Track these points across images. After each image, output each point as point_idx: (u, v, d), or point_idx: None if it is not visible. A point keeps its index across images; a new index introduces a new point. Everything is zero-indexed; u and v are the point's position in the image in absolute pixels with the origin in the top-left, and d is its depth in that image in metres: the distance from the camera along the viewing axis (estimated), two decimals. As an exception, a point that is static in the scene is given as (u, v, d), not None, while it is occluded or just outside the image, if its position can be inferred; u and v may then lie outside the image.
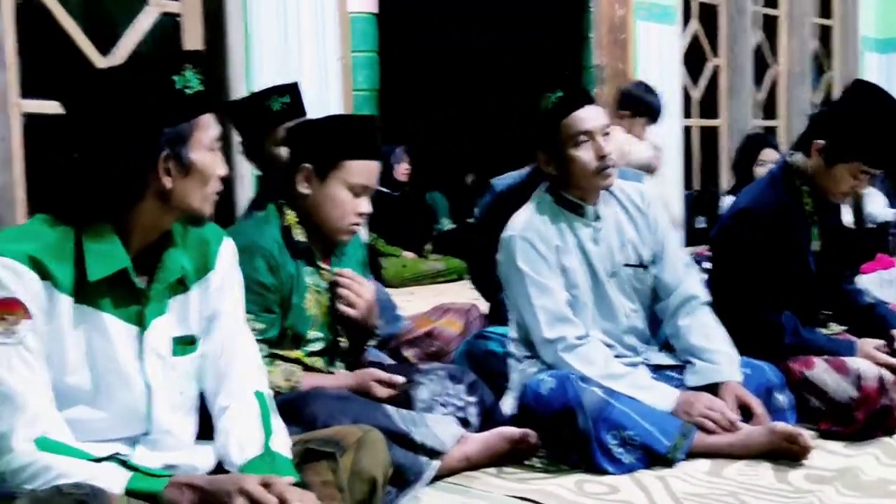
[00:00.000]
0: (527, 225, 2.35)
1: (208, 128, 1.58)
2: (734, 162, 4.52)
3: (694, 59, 5.92)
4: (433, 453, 2.05)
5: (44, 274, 1.48)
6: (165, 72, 1.53)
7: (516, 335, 2.42)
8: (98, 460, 1.48)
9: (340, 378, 2.17)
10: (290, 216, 2.12)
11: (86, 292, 1.53)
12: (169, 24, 3.05)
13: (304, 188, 2.11)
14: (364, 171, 2.12)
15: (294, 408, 1.91)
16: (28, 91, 2.69)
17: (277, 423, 1.68)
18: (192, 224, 1.64)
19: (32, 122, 2.70)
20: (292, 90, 2.60)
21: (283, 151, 2.44)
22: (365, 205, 2.14)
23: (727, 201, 4.15)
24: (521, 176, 2.99)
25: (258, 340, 1.89)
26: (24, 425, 1.45)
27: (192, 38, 3.03)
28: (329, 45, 3.44)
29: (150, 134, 1.51)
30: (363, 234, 2.44)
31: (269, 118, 2.54)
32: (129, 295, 1.57)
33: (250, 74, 3.14)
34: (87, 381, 1.55)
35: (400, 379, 2.17)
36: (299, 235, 2.12)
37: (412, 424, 2.04)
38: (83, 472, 1.44)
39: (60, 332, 1.52)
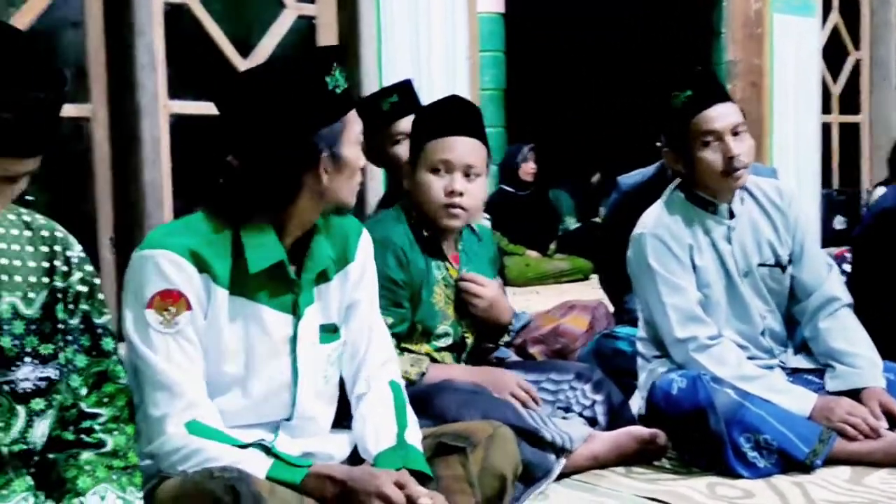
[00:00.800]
0: (658, 222, 2.32)
1: (355, 123, 1.65)
2: (889, 157, 4.31)
3: (834, 53, 5.69)
4: (561, 451, 2.05)
5: (202, 267, 1.56)
6: (318, 73, 1.59)
7: (645, 334, 2.39)
8: (244, 446, 1.55)
9: (469, 372, 2.19)
10: (412, 212, 2.17)
11: (241, 285, 1.60)
12: (305, 27, 3.15)
13: (406, 185, 2.16)
14: (439, 147, 2.11)
15: (423, 401, 1.95)
16: (174, 93, 2.82)
17: (411, 414, 1.72)
18: (337, 214, 1.71)
19: (178, 123, 2.84)
20: (401, 90, 2.63)
21: (400, 150, 2.49)
22: (455, 181, 2.10)
23: (878, 193, 3.97)
24: (648, 174, 2.95)
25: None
26: (178, 411, 1.53)
27: (327, 39, 3.12)
28: (458, 45, 3.48)
29: (308, 134, 1.58)
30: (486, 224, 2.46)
31: (380, 118, 2.57)
32: (283, 285, 1.64)
33: (382, 75, 3.21)
34: (240, 370, 1.63)
35: (536, 402, 2.16)
36: (426, 231, 2.16)
37: (540, 422, 2.05)
38: (230, 457, 1.51)
39: (217, 323, 1.59)
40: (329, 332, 1.72)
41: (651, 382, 2.29)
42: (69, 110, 2.84)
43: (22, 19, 2.56)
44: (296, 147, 1.58)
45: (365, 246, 1.78)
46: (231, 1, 3.18)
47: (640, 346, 2.41)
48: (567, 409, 2.21)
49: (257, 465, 1.51)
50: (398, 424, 1.68)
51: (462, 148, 2.13)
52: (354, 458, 1.71)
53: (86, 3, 2.65)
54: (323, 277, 1.71)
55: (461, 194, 2.10)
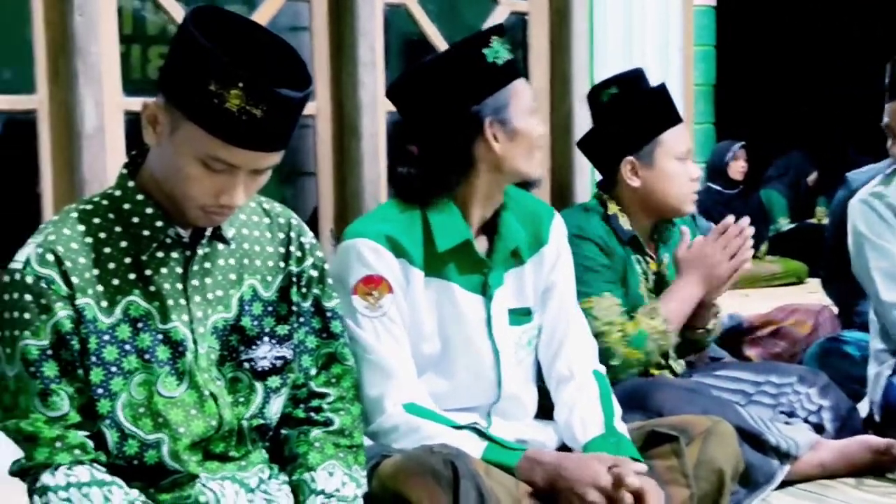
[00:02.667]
0: (870, 189, 2.23)
1: (524, 92, 1.66)
2: None
3: None
4: (785, 456, 1.95)
5: (399, 251, 1.61)
6: (475, 47, 1.62)
7: (876, 330, 2.24)
8: (459, 427, 1.58)
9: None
10: (613, 206, 2.13)
11: (434, 265, 1.64)
12: (517, 23, 3.17)
13: (633, 181, 2.10)
14: (680, 136, 2.13)
15: (639, 396, 1.91)
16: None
17: (616, 403, 1.70)
18: (526, 188, 1.72)
19: (392, 120, 2.93)
20: (621, 82, 2.56)
21: None
22: (694, 168, 2.14)
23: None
24: (880, 169, 2.74)
25: (623, 314, 1.97)
26: (394, 390, 1.58)
27: (539, 34, 3.12)
28: (672, 39, 3.39)
29: (473, 106, 1.61)
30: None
31: (600, 110, 2.52)
32: (472, 266, 1.67)
33: (594, 69, 3.18)
34: (438, 350, 1.67)
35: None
36: (625, 224, 2.12)
37: (763, 425, 1.95)
38: (446, 437, 1.54)
39: (416, 304, 1.64)
40: (520, 314, 1.73)
41: (886, 382, 2.14)
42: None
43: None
44: (460, 120, 1.62)
45: (558, 228, 1.78)
46: (446, 0, 3.25)
47: (871, 342, 2.27)
48: (790, 414, 2.09)
49: (472, 447, 1.53)
50: (605, 413, 1.66)
51: (686, 133, 2.17)
52: (564, 447, 1.70)
53: (313, 8, 2.79)
54: (516, 260, 1.72)
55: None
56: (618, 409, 1.69)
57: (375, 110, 2.80)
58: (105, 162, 2.37)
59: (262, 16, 2.70)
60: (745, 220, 2.09)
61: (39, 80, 2.37)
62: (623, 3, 3.25)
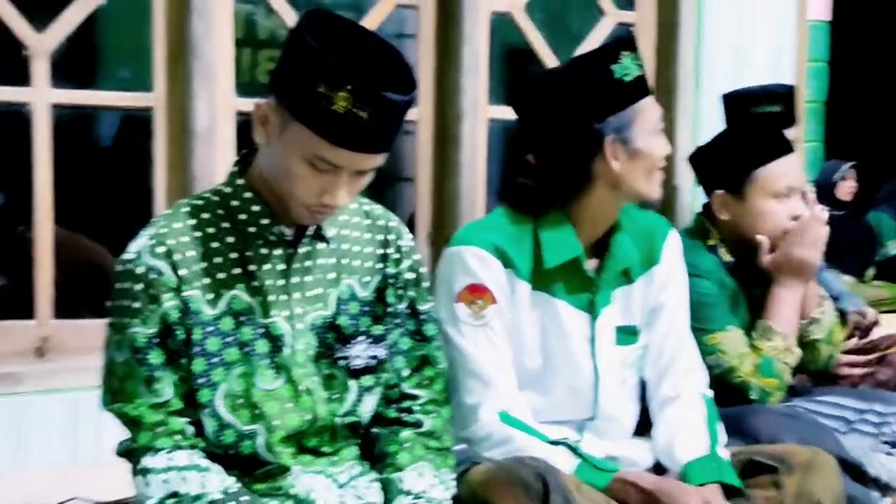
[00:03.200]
0: None
1: (650, 111, 1.63)
2: None
3: None
4: (885, 488, 1.88)
5: (506, 262, 1.61)
6: (604, 62, 1.59)
7: None
8: (552, 443, 1.57)
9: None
10: (714, 235, 2.07)
11: (541, 279, 1.63)
12: (624, 34, 3.14)
13: (724, 215, 2.04)
14: (781, 171, 2.00)
15: (735, 420, 1.86)
16: (492, 98, 2.92)
17: (722, 430, 1.66)
18: (643, 207, 1.69)
19: (494, 127, 2.94)
20: (785, 97, 2.43)
21: None
22: (797, 206, 2.00)
23: None
24: None
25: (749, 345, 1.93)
26: (491, 400, 1.58)
27: (645, 46, 3.09)
28: (784, 54, 3.31)
29: (595, 122, 1.59)
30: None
31: (754, 126, 2.26)
32: (580, 283, 1.65)
33: (699, 83, 3.12)
34: (539, 364, 1.66)
35: None
36: (724, 256, 2.06)
37: (863, 456, 1.88)
38: (538, 450, 1.53)
39: (519, 317, 1.63)
40: (628, 334, 1.71)
41: None
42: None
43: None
44: (581, 135, 1.59)
45: (672, 247, 1.74)
46: (552, 9, 3.25)
47: None
48: (893, 445, 2.01)
49: (564, 463, 1.52)
50: (710, 436, 1.63)
51: (794, 166, 2.04)
52: (658, 467, 1.67)
53: (420, 15, 2.82)
54: (625, 279, 1.69)
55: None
56: (723, 436, 1.65)
57: (476, 118, 2.81)
58: (215, 160, 2.45)
59: (370, 21, 2.75)
60: (813, 200, 2.01)
61: (157, 79, 2.47)
62: (733, 16, 3.18)
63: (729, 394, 1.88)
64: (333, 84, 1.23)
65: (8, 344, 2.36)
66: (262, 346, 1.37)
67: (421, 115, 2.83)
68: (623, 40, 1.66)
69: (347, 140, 1.26)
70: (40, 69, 2.35)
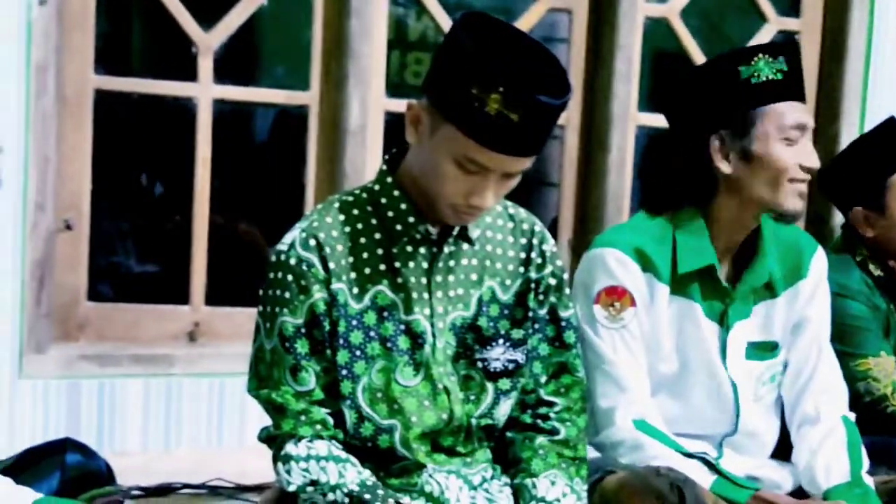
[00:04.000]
0: None
1: (781, 117, 1.55)
2: None
3: None
4: None
5: (647, 265, 1.58)
6: (733, 63, 1.55)
7: None
8: (688, 455, 1.53)
9: None
10: (861, 252, 1.97)
11: (681, 283, 1.60)
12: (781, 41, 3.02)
13: (868, 232, 1.94)
14: None
15: (884, 449, 1.76)
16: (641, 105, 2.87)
17: (865, 455, 1.57)
18: (781, 221, 1.62)
19: (642, 134, 2.89)
20: None
21: None
22: None
23: None
24: None
25: None
26: (626, 404, 1.56)
27: (809, 54, 2.95)
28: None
29: (714, 122, 1.55)
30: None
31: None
32: (714, 292, 1.62)
33: (867, 94, 2.96)
34: (675, 370, 1.62)
35: None
36: (875, 270, 1.96)
37: None
38: (673, 461, 1.49)
39: (658, 321, 1.60)
40: (764, 349, 1.66)
41: None
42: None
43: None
44: (699, 134, 1.56)
45: (819, 264, 1.69)
46: (709, 15, 3.16)
47: None
48: None
49: (699, 477, 1.47)
50: (852, 461, 1.55)
51: None
52: (800, 492, 1.60)
53: (574, 19, 2.80)
54: (769, 293, 1.64)
55: None
56: (866, 461, 1.58)
57: (626, 123, 2.76)
58: (365, 158, 2.50)
59: (521, 25, 2.75)
60: None
61: (313, 78, 2.54)
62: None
63: (879, 422, 1.78)
64: (486, 86, 1.23)
65: (163, 327, 2.48)
66: (403, 343, 1.39)
67: (569, 119, 2.81)
68: (767, 44, 1.61)
69: (497, 142, 1.26)
70: (206, 66, 2.46)
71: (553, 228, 2.83)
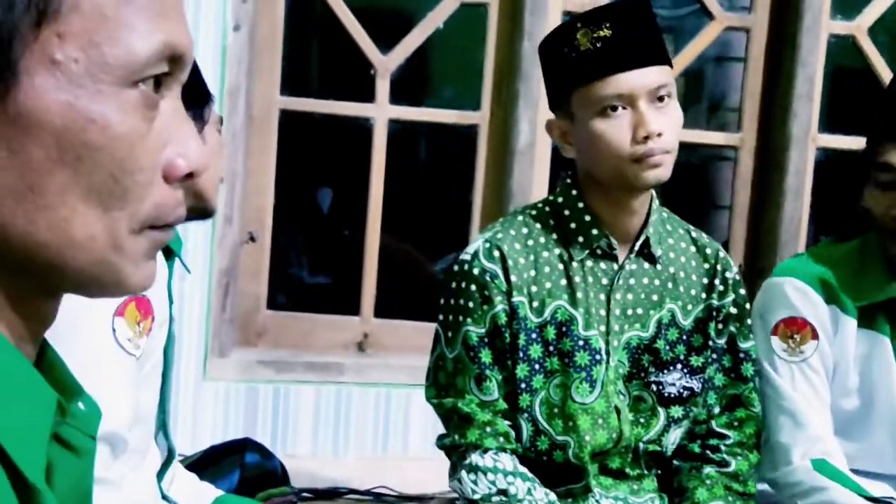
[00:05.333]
0: None
1: None
2: None
3: None
4: None
5: (831, 297, 1.51)
6: None
7: None
8: (872, 499, 1.45)
9: None
10: None
11: (868, 315, 1.52)
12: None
13: None
14: None
15: None
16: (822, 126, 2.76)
17: None
18: None
19: (822, 156, 2.77)
20: None
21: None
22: None
23: None
24: None
25: None
26: (804, 442, 1.49)
27: None
28: None
29: (875, 146, 1.47)
30: None
31: None
32: None
33: None
34: (856, 406, 1.54)
35: None
36: None
37: None
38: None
39: (843, 356, 1.52)
40: None
41: None
42: (717, 138, 2.97)
43: (686, 57, 2.73)
44: (867, 159, 1.48)
45: None
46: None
47: None
48: None
49: None
50: None
51: None
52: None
53: (752, 38, 2.73)
54: None
55: None
56: None
57: (805, 145, 2.66)
58: (532, 177, 2.52)
59: (697, 45, 2.70)
60: None
61: (484, 98, 2.59)
62: None
63: None
64: (568, 36, 1.31)
65: (334, 337, 2.58)
66: (581, 359, 1.39)
67: (743, 140, 2.73)
68: None
69: (609, 64, 1.29)
70: (383, 87, 2.55)
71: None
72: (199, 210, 1.35)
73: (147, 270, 0.56)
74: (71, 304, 1.07)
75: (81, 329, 1.06)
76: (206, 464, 1.79)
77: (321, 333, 2.57)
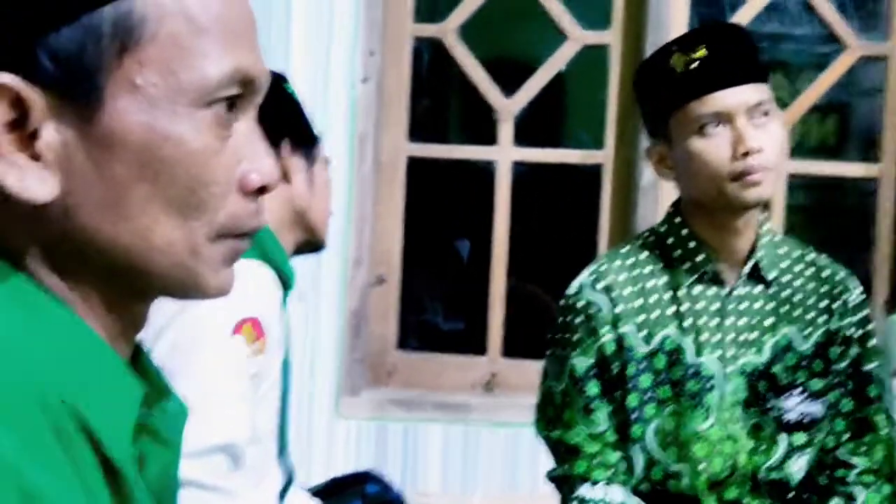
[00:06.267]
0: None
1: None
2: None
3: None
4: None
5: None
6: None
7: None
8: None
9: None
10: None
11: None
12: None
13: None
14: None
15: None
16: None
17: None
18: None
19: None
20: None
21: None
22: None
23: None
24: None
25: None
26: None
27: None
28: None
29: None
30: None
31: None
32: None
33: None
34: None
35: None
36: None
37: None
38: None
39: None
40: None
41: None
42: (856, 170, 2.86)
43: (809, 97, 2.66)
44: None
45: None
46: None
47: None
48: None
49: None
50: None
51: None
52: None
53: (889, 69, 2.63)
54: None
55: None
56: None
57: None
58: (657, 215, 2.50)
59: (828, 77, 2.63)
60: None
61: (608, 137, 2.60)
62: None
63: None
64: (666, 61, 1.32)
65: (462, 377, 2.62)
66: (692, 386, 1.37)
67: (883, 171, 2.62)
68: None
69: (705, 83, 1.29)
70: (506, 130, 2.61)
71: (866, 288, 2.63)
72: (311, 243, 1.43)
73: (225, 276, 0.61)
74: (192, 322, 1.16)
75: (200, 346, 1.14)
76: (329, 493, 1.85)
77: (450, 373, 2.62)
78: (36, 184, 0.54)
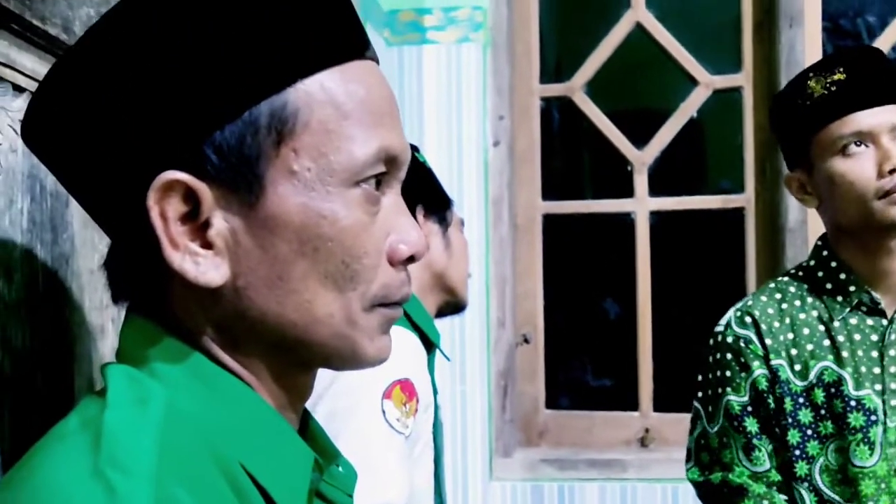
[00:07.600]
0: None
1: None
2: None
3: None
4: None
5: None
6: None
7: None
8: None
9: None
10: None
11: None
12: None
13: None
14: None
15: None
16: None
17: None
18: None
19: None
20: None
21: None
22: None
23: None
24: None
25: None
26: None
27: None
28: None
29: None
30: None
31: None
32: None
33: None
34: None
35: None
36: None
37: None
38: None
39: None
40: None
41: None
42: None
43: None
44: None
45: None
46: None
47: None
48: None
49: None
50: None
51: None
52: None
53: None
54: None
55: None
56: None
57: None
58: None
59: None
60: None
61: (748, 180, 2.55)
62: None
63: None
64: (803, 86, 1.31)
65: (614, 433, 2.57)
66: (855, 420, 1.31)
67: None
68: None
69: (844, 103, 1.27)
70: (641, 181, 2.60)
71: None
72: (453, 304, 1.45)
73: (381, 343, 0.64)
74: (345, 389, 1.19)
75: (355, 412, 1.17)
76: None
77: (601, 431, 2.58)
78: (211, 270, 0.59)
